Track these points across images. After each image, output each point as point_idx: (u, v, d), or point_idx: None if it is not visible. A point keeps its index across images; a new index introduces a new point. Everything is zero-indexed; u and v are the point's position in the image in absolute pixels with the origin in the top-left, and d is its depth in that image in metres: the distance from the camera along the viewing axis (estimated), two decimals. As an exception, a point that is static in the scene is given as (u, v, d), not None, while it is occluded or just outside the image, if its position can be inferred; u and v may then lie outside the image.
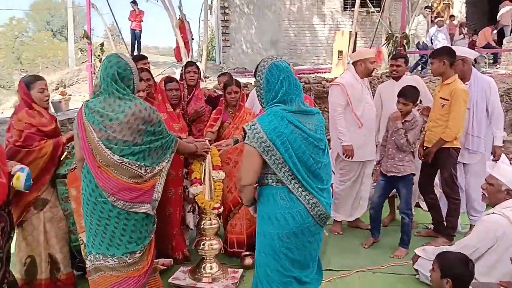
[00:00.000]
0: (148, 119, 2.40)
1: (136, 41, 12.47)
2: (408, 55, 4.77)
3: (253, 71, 2.34)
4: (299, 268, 2.22)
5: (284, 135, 2.07)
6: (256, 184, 2.26)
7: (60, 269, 3.12)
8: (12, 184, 2.62)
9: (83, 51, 9.79)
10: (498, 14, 11.58)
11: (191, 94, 4.10)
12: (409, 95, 3.68)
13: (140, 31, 12.55)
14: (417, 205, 4.88)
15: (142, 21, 12.67)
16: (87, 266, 2.57)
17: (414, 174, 3.84)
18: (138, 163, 2.40)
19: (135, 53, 11.96)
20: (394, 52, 7.82)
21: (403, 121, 3.72)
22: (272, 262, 2.17)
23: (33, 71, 20.02)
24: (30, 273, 3.05)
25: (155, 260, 3.26)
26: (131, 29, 12.44)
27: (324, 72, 10.83)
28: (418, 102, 3.91)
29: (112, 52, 2.65)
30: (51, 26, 27.94)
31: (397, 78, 4.31)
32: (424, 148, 3.95)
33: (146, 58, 4.48)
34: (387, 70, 8.89)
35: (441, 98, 3.81)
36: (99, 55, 7.91)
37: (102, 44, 8.23)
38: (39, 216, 3.02)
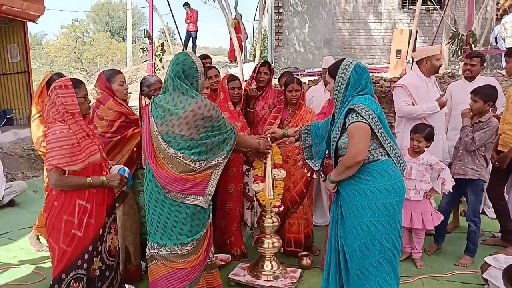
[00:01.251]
0: (207, 114, 2.44)
1: (192, 42, 12.74)
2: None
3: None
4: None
5: (382, 113, 2.46)
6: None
7: (130, 261, 3.19)
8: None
9: (144, 50, 10.15)
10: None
11: (261, 92, 4.10)
12: (480, 92, 3.47)
13: (196, 31, 12.81)
14: (482, 212, 4.62)
15: (197, 20, 12.93)
16: (146, 254, 2.65)
17: (485, 182, 3.63)
18: (193, 157, 2.45)
19: None
20: (458, 52, 7.45)
21: (476, 121, 3.53)
22: (389, 230, 2.39)
23: (92, 70, 21.05)
24: None
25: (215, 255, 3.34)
26: (187, 31, 12.73)
27: (379, 72, 10.56)
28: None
29: (182, 51, 2.74)
30: (109, 27, 29.20)
31: (470, 79, 4.10)
32: (498, 152, 3.73)
33: (209, 57, 4.57)
34: (449, 71, 8.55)
35: None
36: (159, 55, 8.16)
37: (162, 44, 8.48)
38: (119, 209, 3.07)
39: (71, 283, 2.41)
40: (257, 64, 4.16)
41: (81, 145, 2.43)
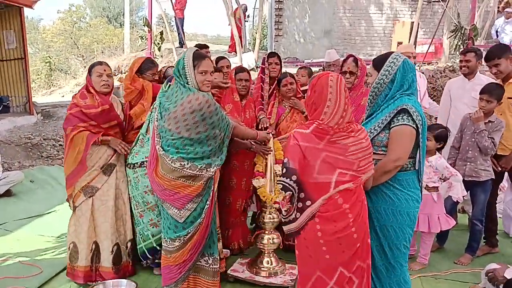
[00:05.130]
0: (197, 108, 2.41)
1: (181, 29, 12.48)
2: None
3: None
4: None
5: (425, 119, 2.31)
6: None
7: (100, 260, 3.09)
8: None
9: (143, 38, 9.94)
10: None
11: (273, 85, 3.99)
12: (494, 92, 3.38)
13: (181, 19, 12.49)
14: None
15: (184, 8, 12.64)
16: None
17: (493, 179, 3.57)
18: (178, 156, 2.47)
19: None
20: (460, 46, 7.36)
21: (486, 121, 3.44)
22: (408, 237, 2.33)
23: (89, 56, 20.78)
24: (72, 259, 3.06)
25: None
26: (178, 18, 12.45)
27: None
28: None
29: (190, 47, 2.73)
30: (106, 13, 28.78)
31: (468, 75, 3.97)
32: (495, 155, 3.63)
33: (207, 47, 4.50)
34: (451, 64, 8.49)
35: (509, 98, 3.53)
36: (158, 43, 8.03)
37: (161, 33, 8.33)
38: (88, 202, 3.03)
39: None
40: (265, 55, 4.09)
41: None
